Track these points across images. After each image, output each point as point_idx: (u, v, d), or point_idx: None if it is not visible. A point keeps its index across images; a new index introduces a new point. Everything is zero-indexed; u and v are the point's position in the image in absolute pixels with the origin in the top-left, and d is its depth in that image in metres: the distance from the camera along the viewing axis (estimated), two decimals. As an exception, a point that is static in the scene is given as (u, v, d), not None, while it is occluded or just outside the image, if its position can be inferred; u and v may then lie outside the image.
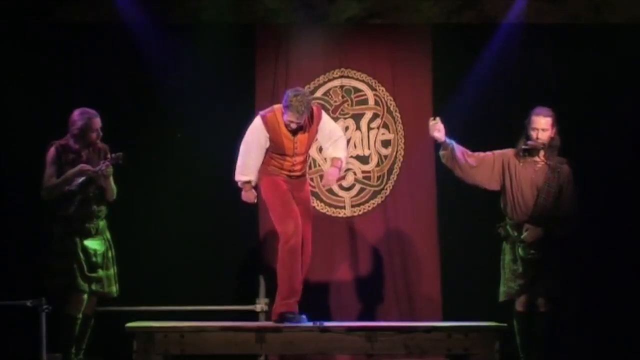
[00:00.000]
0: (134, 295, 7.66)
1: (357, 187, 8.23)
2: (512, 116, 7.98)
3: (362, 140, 8.22)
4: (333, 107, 8.19)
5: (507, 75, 8.08)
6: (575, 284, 7.54)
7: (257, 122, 6.67)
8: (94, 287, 6.97)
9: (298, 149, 6.66)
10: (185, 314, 7.55)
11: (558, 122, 7.06)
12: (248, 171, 6.72)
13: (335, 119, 7.80)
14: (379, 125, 8.25)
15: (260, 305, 7.96)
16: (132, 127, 7.91)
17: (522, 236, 6.96)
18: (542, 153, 7.04)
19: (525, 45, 8.09)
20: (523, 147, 7.04)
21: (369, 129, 8.25)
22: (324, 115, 6.79)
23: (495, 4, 8.21)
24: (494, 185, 7.10)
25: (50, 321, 6.50)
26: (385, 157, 8.24)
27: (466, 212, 8.00)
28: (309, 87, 8.17)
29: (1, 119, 7.92)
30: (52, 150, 7.01)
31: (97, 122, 7.02)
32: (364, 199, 8.22)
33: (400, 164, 8.23)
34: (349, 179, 8.23)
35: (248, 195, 6.79)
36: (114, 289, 7.09)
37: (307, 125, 6.64)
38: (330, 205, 8.21)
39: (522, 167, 7.03)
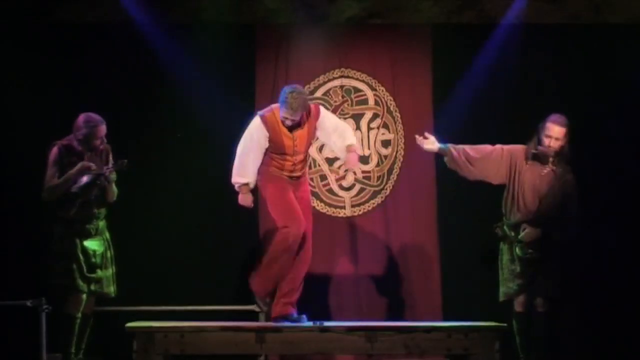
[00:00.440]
0: (134, 295, 7.65)
1: (357, 187, 8.23)
2: (512, 116, 8.00)
3: (362, 140, 8.22)
4: (333, 107, 8.19)
5: (507, 75, 8.08)
6: (574, 284, 7.55)
7: (257, 121, 6.65)
8: (92, 287, 6.97)
9: (298, 147, 6.64)
10: (185, 314, 7.55)
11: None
12: (245, 173, 6.66)
13: (335, 119, 7.81)
14: (379, 125, 8.25)
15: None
16: (132, 127, 7.91)
17: (520, 236, 6.96)
18: (550, 160, 7.02)
19: (525, 45, 8.09)
20: (533, 151, 7.01)
21: (369, 129, 8.25)
22: (323, 112, 6.76)
23: (495, 4, 8.21)
24: (500, 180, 7.08)
25: (50, 321, 6.50)
26: (385, 157, 8.24)
27: (466, 212, 8.00)
28: (309, 87, 8.17)
29: (1, 119, 7.92)
30: (54, 151, 6.97)
31: (102, 129, 6.95)
32: (364, 199, 8.22)
33: (400, 164, 8.23)
34: (349, 179, 8.23)
35: (245, 199, 6.72)
36: (112, 289, 7.08)
37: (305, 123, 6.63)
38: (330, 205, 8.21)
39: (527, 169, 7.01)
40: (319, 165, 8.18)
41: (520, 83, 8.11)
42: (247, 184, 6.69)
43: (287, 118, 6.53)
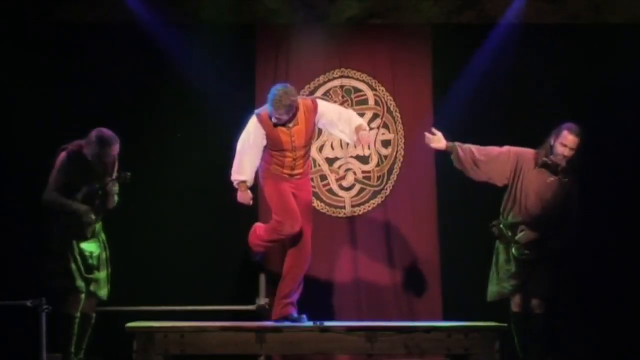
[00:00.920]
0: (134, 295, 7.66)
1: (357, 187, 8.23)
2: (512, 116, 8.00)
3: (362, 140, 8.21)
4: (333, 107, 8.19)
5: (507, 75, 8.08)
6: (573, 284, 7.55)
7: (253, 120, 6.69)
8: (92, 288, 6.97)
9: (296, 142, 6.64)
10: (185, 314, 7.55)
11: (558, 123, 7.05)
12: (243, 170, 6.71)
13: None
14: (379, 125, 8.25)
15: (260, 305, 7.96)
16: (132, 126, 7.89)
17: (517, 237, 6.94)
18: (559, 169, 6.95)
19: (525, 45, 8.09)
20: (544, 159, 6.93)
21: (369, 128, 8.24)
22: (322, 104, 6.74)
23: (495, 4, 8.21)
24: (504, 182, 7.04)
25: (50, 321, 6.50)
26: (385, 157, 8.24)
27: (466, 212, 8.00)
28: (309, 87, 8.18)
29: (1, 119, 7.91)
30: (63, 156, 6.91)
31: (115, 149, 6.88)
32: (364, 199, 8.22)
33: (400, 164, 8.23)
34: (349, 179, 8.23)
35: (243, 196, 6.76)
36: (105, 291, 7.04)
37: (301, 119, 6.61)
38: (330, 205, 8.21)
39: (534, 174, 6.95)
40: (319, 165, 8.18)
41: (520, 83, 8.10)
42: (244, 182, 6.72)
43: (273, 116, 6.54)
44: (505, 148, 7.07)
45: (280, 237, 6.71)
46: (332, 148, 8.20)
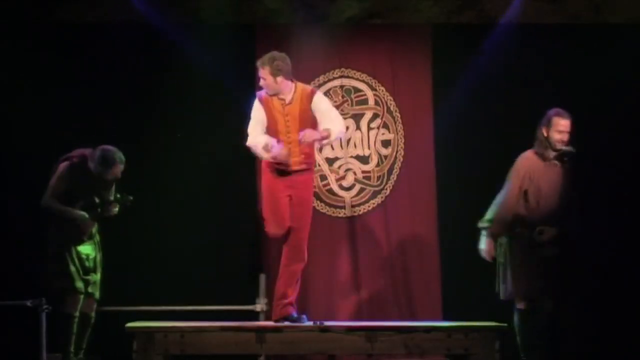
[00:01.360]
0: (133, 295, 7.66)
1: (357, 187, 8.23)
2: (511, 116, 8.00)
3: (362, 140, 8.22)
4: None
5: (507, 75, 8.08)
6: (577, 283, 7.54)
7: (255, 102, 6.64)
8: (90, 289, 6.98)
9: (290, 122, 6.54)
10: (185, 314, 7.54)
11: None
12: (260, 138, 6.53)
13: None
14: (379, 125, 8.25)
15: (260, 305, 7.96)
16: (132, 126, 7.91)
17: (539, 238, 6.90)
18: (565, 157, 6.97)
19: (525, 45, 8.09)
20: (559, 149, 6.87)
21: (369, 129, 8.25)
22: (317, 97, 6.65)
23: (495, 4, 8.21)
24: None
25: (50, 321, 6.50)
26: (385, 157, 8.24)
27: (466, 212, 7.99)
28: (309, 87, 8.18)
29: (1, 119, 7.91)
30: (65, 165, 6.95)
31: (117, 170, 6.93)
32: (364, 199, 8.22)
33: (400, 164, 8.23)
34: (349, 179, 8.23)
35: (279, 154, 6.49)
36: (99, 293, 7.08)
37: (296, 100, 6.55)
38: (330, 205, 8.21)
39: (545, 171, 6.93)
40: (319, 165, 8.18)
41: (520, 83, 8.10)
42: (266, 144, 6.49)
43: (260, 76, 6.52)
44: (512, 186, 6.94)
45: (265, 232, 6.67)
46: (332, 148, 8.20)
